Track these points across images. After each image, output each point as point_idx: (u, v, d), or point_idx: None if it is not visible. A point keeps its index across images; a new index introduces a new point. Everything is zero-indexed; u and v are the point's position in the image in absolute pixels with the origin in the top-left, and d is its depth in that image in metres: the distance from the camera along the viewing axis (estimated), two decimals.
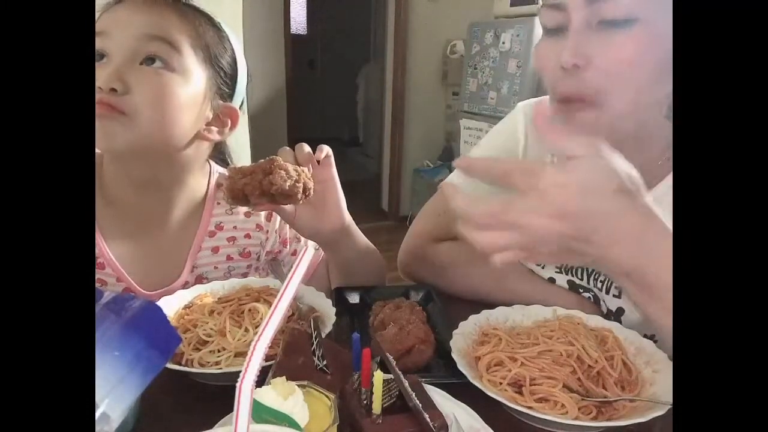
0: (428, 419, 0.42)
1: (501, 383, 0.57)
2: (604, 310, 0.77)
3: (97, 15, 0.71)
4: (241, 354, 0.61)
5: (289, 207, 0.72)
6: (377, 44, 5.00)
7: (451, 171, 0.93)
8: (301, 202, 0.67)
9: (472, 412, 0.52)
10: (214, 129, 0.79)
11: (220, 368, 0.59)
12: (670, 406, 0.51)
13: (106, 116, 0.67)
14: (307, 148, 0.72)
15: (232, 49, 0.80)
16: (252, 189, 0.64)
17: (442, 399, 0.52)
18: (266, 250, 0.91)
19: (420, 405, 0.43)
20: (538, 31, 0.66)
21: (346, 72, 6.11)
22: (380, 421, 0.43)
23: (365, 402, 0.44)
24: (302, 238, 0.92)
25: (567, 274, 0.81)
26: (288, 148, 0.72)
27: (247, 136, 3.12)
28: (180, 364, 0.59)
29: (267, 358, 0.34)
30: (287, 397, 0.38)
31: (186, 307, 0.70)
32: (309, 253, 0.35)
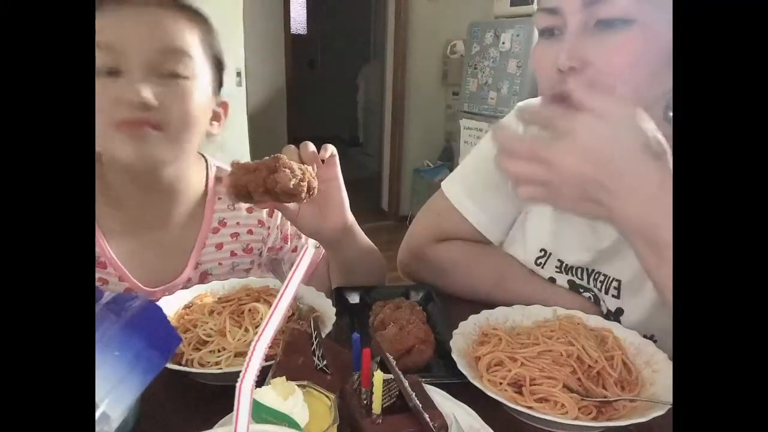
0: (428, 419, 0.42)
1: (501, 383, 0.57)
2: (604, 310, 0.77)
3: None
4: (241, 354, 0.61)
5: (292, 205, 0.72)
6: (377, 44, 5.01)
7: (450, 171, 0.93)
8: (304, 201, 0.66)
9: (472, 412, 0.52)
10: (216, 123, 0.81)
11: (220, 368, 0.59)
12: (670, 406, 0.51)
13: (144, 134, 0.69)
14: (312, 146, 0.72)
15: (219, 42, 0.81)
16: (256, 186, 0.63)
17: (442, 399, 0.52)
18: (268, 246, 0.91)
19: (420, 405, 0.43)
20: None
21: (346, 72, 6.11)
22: (380, 421, 0.43)
23: (365, 402, 0.44)
24: (303, 236, 0.92)
25: (567, 274, 0.81)
26: (293, 146, 0.71)
27: (246, 135, 3.12)
28: (180, 364, 0.59)
29: (267, 358, 0.34)
30: (287, 397, 0.38)
31: (186, 307, 0.70)
32: (309, 253, 0.35)
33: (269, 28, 4.09)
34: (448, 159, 3.88)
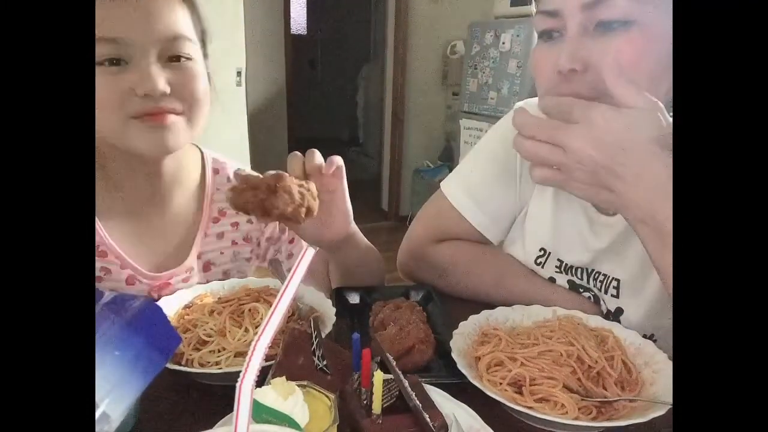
0: (428, 419, 0.42)
1: (501, 383, 0.57)
2: (604, 310, 0.77)
3: None
4: (241, 354, 0.61)
5: None
6: (377, 44, 5.01)
7: (450, 171, 0.93)
8: (303, 223, 0.64)
9: (472, 412, 0.52)
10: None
11: (220, 368, 0.59)
12: (670, 406, 0.51)
13: (168, 123, 0.69)
14: (318, 157, 0.70)
15: (202, 15, 0.81)
16: (254, 207, 0.62)
17: (442, 399, 0.52)
18: (266, 236, 0.92)
19: (420, 405, 0.43)
20: None
21: (346, 72, 6.11)
22: (380, 421, 0.43)
23: (365, 402, 0.44)
24: None
25: (567, 274, 0.81)
26: (299, 154, 0.70)
27: (246, 135, 3.12)
28: (180, 364, 0.59)
29: (267, 358, 0.34)
30: (287, 397, 0.38)
31: (186, 307, 0.71)
32: (309, 253, 0.35)
33: (269, 28, 4.09)
34: (448, 159, 3.88)
